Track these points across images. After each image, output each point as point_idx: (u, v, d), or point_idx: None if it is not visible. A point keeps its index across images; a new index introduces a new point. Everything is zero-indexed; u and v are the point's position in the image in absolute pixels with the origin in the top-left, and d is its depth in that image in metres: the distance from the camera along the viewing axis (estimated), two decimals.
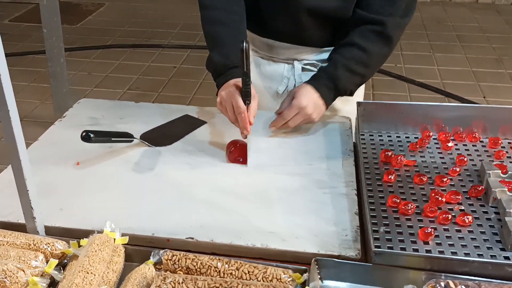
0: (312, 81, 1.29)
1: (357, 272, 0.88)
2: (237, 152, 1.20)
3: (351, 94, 1.33)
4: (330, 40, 1.36)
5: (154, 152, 1.23)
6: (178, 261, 0.87)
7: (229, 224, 0.99)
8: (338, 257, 0.91)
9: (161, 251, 0.89)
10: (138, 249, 0.94)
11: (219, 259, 0.87)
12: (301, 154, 1.22)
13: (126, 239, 0.93)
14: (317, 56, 1.40)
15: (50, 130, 1.33)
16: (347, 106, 1.45)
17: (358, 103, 1.31)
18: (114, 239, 0.91)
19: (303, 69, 1.41)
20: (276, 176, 1.14)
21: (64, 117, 1.39)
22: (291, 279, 0.84)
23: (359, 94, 1.50)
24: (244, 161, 1.19)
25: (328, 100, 1.29)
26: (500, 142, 1.25)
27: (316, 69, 1.38)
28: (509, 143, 1.26)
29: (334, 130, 1.33)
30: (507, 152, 1.22)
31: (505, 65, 3.74)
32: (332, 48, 1.35)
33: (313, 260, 0.87)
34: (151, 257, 0.90)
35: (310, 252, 0.92)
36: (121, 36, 4.36)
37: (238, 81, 1.17)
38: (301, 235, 0.96)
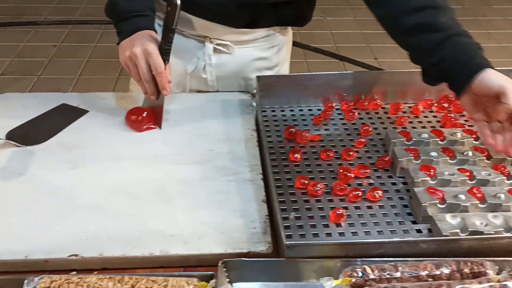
0: (482, 65, 0.96)
1: (269, 269, 0.79)
2: (148, 118, 1.12)
3: None
4: (251, 21, 1.23)
5: (25, 153, 1.04)
6: (59, 287, 0.72)
7: (121, 231, 0.85)
8: (247, 254, 0.82)
9: (36, 278, 0.73)
10: (10, 278, 0.77)
11: (110, 278, 0.74)
12: (199, 139, 1.10)
13: None
14: (231, 37, 1.25)
15: None
16: None
17: (258, 78, 1.21)
18: None
19: (215, 50, 1.26)
20: (173, 167, 1.01)
21: None
22: None
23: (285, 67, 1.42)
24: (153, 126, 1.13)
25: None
26: (401, 107, 1.23)
27: (228, 51, 1.25)
28: (409, 107, 1.24)
29: (234, 108, 1.23)
30: (408, 117, 1.20)
31: None
32: (250, 29, 1.22)
33: (220, 263, 0.77)
34: (24, 286, 0.74)
35: (216, 253, 0.82)
36: None
37: (151, 33, 1.07)
38: (205, 234, 0.85)
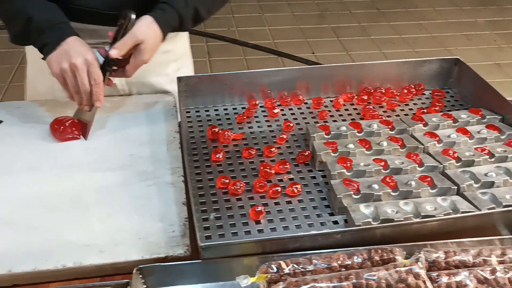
0: (158, 15, 1.08)
1: (187, 272, 0.79)
2: (71, 127, 1.09)
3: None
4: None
5: None
6: None
7: (33, 245, 0.82)
8: (165, 259, 0.82)
9: None
10: None
11: None
12: (120, 144, 1.08)
13: None
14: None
15: None
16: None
17: (179, 79, 1.20)
18: None
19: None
20: (92, 175, 0.99)
21: None
22: None
23: (188, 66, 1.39)
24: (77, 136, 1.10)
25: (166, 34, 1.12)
26: (322, 102, 1.26)
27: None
28: (331, 101, 1.27)
29: (157, 110, 1.21)
30: (329, 111, 1.23)
31: (327, 19, 3.95)
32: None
33: (134, 271, 0.76)
34: None
35: (132, 260, 0.81)
36: None
37: (81, 40, 1.06)
38: (122, 242, 0.84)
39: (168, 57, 1.29)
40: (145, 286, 0.77)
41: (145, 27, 1.07)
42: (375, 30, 3.77)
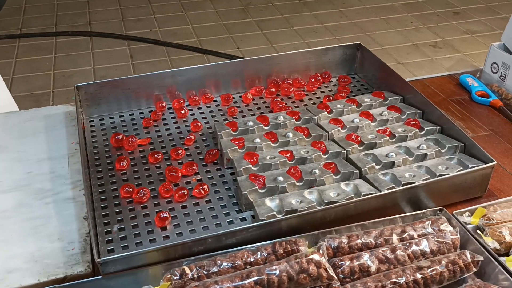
0: None
1: None
2: None
3: None
4: None
5: None
6: None
7: None
8: (64, 279, 0.78)
9: None
10: None
11: None
12: (16, 163, 1.02)
13: None
14: None
15: None
16: None
17: (77, 87, 1.15)
18: None
19: None
20: None
21: None
22: None
23: None
24: None
25: None
26: (231, 98, 1.24)
27: None
28: (240, 96, 1.26)
29: (58, 123, 1.15)
30: (239, 106, 1.22)
31: (251, 13, 3.95)
32: None
33: None
34: None
35: (28, 284, 0.76)
36: None
37: None
38: (17, 267, 0.79)
39: None
40: None
41: None
42: (298, 20, 3.81)
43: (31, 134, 1.11)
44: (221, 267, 0.76)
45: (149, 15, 3.86)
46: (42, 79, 3.05)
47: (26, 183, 0.97)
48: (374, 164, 0.96)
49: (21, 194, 0.94)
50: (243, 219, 0.89)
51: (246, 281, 0.70)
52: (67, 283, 0.74)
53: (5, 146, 1.06)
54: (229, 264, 0.76)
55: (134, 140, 1.07)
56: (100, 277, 0.76)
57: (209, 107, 1.23)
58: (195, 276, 0.74)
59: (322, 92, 1.28)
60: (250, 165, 0.97)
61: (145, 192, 0.93)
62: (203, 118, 1.18)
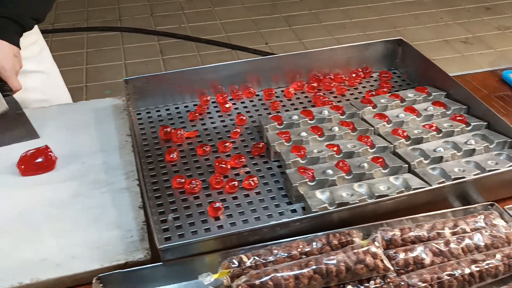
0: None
1: (148, 276, 0.78)
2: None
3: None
4: None
5: None
6: None
7: None
8: (125, 265, 0.80)
9: None
10: None
11: None
12: (69, 154, 1.05)
13: None
14: None
15: None
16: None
17: (126, 81, 1.18)
18: None
19: None
20: (42, 190, 0.96)
21: None
22: None
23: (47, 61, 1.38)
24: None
25: (19, 43, 1.16)
26: (274, 92, 1.26)
27: None
28: (282, 91, 1.28)
29: (107, 115, 1.19)
30: (281, 101, 1.24)
31: (279, 9, 3.96)
32: None
33: (93, 280, 0.75)
34: None
35: (91, 270, 0.79)
36: None
37: None
38: (79, 253, 0.82)
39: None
40: None
41: None
42: (327, 16, 3.81)
43: (82, 126, 1.14)
44: (277, 256, 0.77)
45: (177, 11, 3.90)
46: (75, 74, 3.12)
47: (81, 173, 1.00)
48: (422, 158, 0.97)
49: (77, 184, 0.97)
50: (294, 211, 0.91)
51: (305, 270, 0.72)
52: (131, 269, 0.77)
53: (59, 137, 1.10)
54: (285, 254, 0.78)
55: (182, 133, 1.09)
56: (161, 263, 0.79)
57: (252, 101, 1.25)
58: (253, 264, 0.76)
59: (364, 87, 1.29)
60: (298, 158, 0.98)
61: (197, 183, 0.95)
62: (247, 112, 1.20)
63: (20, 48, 1.16)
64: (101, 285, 0.76)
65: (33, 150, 1.01)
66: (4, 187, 0.97)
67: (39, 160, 1.00)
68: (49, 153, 1.01)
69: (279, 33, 3.62)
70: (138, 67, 3.18)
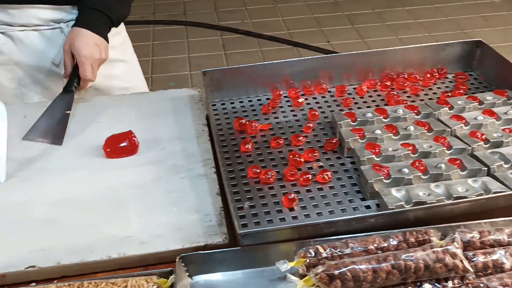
0: (84, 22, 1.20)
1: (227, 259, 0.82)
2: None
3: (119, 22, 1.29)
4: None
5: None
6: None
7: (77, 239, 0.85)
8: (205, 247, 0.84)
9: None
10: None
11: (69, 285, 0.74)
12: (150, 140, 1.11)
13: None
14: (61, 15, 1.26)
15: None
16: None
17: (204, 72, 1.22)
18: None
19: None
20: (125, 172, 1.02)
21: None
22: (156, 286, 0.75)
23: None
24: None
25: (107, 36, 1.23)
26: (346, 89, 1.27)
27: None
28: (354, 88, 1.28)
29: (184, 105, 1.24)
30: (353, 98, 1.24)
31: (342, 7, 3.93)
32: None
33: (177, 259, 0.79)
34: None
35: (173, 249, 0.83)
36: None
37: None
38: (162, 233, 0.87)
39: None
40: (187, 273, 0.80)
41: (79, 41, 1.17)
42: (391, 15, 3.74)
43: (161, 115, 1.19)
44: (353, 249, 0.79)
45: (240, 7, 3.96)
46: (141, 65, 3.24)
47: (161, 159, 1.05)
48: (502, 162, 0.95)
49: (158, 169, 1.02)
50: (368, 207, 0.92)
51: (383, 264, 0.73)
52: (211, 251, 0.81)
53: (140, 124, 1.16)
54: (361, 248, 0.79)
55: (256, 125, 1.12)
56: (239, 248, 0.82)
57: (324, 97, 1.26)
58: (329, 255, 0.78)
59: (439, 88, 1.27)
60: (373, 156, 0.99)
61: (272, 174, 0.98)
62: (319, 107, 1.22)
63: (108, 42, 1.23)
64: (183, 264, 0.80)
65: (119, 134, 1.07)
66: (92, 168, 1.03)
67: (124, 144, 1.06)
68: (133, 138, 1.07)
69: (341, 31, 3.60)
70: (202, 60, 3.26)
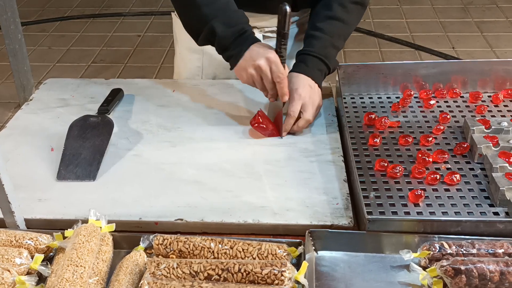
0: (302, 68, 1.19)
1: (352, 240, 0.87)
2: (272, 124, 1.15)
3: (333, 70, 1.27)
4: (291, 5, 1.29)
5: (131, 132, 1.18)
6: (170, 245, 0.84)
7: (218, 202, 0.96)
8: (331, 226, 0.91)
9: (151, 236, 0.86)
10: (126, 235, 0.90)
11: (212, 240, 0.85)
12: None
13: (113, 227, 0.89)
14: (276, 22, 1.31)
15: (18, 115, 1.26)
16: None
17: (339, 66, 1.28)
18: (101, 227, 0.88)
19: (264, 37, 1.35)
20: (261, 149, 1.11)
21: (31, 100, 1.32)
22: (286, 253, 0.83)
23: None
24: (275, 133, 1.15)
25: (321, 82, 1.22)
26: (480, 96, 1.25)
27: (274, 35, 1.28)
28: (489, 96, 1.26)
29: None
30: (487, 106, 1.22)
31: (471, 13, 3.75)
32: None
33: (307, 232, 0.86)
34: (140, 243, 0.87)
35: (302, 224, 0.91)
36: (79, 6, 4.16)
37: (261, 43, 1.13)
38: (292, 207, 0.94)
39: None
40: (313, 248, 0.87)
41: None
42: None
43: None
44: (479, 251, 0.80)
45: None
46: None
47: (292, 141, 1.13)
48: None
49: (289, 150, 1.11)
50: (496, 213, 0.92)
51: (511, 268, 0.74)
52: (338, 230, 0.87)
53: None
54: (488, 250, 0.80)
55: (386, 121, 1.16)
56: (364, 232, 0.87)
57: (456, 101, 1.25)
58: (454, 252, 0.80)
59: None
60: (506, 164, 0.98)
61: (400, 169, 1.01)
62: (450, 111, 1.22)
63: (321, 88, 1.21)
64: (311, 238, 0.87)
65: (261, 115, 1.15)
66: (232, 141, 1.14)
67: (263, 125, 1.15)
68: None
69: (468, 38, 3.44)
70: None
